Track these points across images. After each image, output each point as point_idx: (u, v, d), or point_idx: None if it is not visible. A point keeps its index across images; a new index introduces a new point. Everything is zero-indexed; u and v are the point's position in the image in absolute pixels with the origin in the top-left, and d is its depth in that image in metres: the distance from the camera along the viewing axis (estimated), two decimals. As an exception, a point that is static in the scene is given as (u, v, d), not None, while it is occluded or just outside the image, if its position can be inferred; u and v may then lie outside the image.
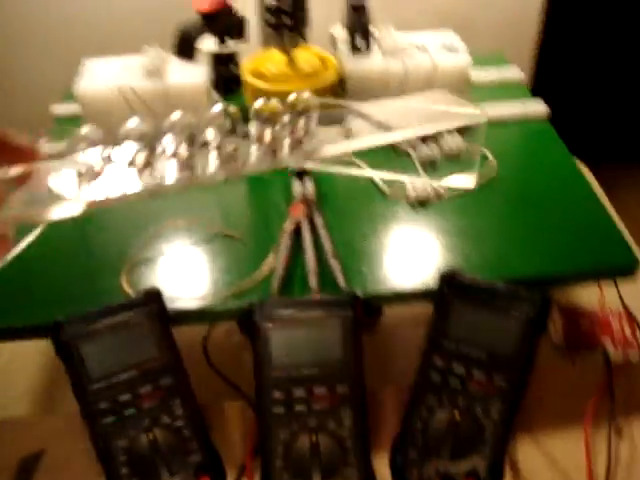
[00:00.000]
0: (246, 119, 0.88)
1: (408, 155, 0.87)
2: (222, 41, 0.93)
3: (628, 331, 0.93)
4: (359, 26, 0.87)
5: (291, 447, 0.59)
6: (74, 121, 0.95)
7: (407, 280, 0.69)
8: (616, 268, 0.71)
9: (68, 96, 1.00)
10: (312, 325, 0.60)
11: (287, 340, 0.60)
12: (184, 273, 0.71)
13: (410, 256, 0.72)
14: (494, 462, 0.60)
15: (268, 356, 0.59)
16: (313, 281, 0.68)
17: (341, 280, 0.68)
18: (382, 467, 0.63)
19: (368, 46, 0.88)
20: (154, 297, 0.61)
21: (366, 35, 0.87)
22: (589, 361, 0.84)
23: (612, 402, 0.70)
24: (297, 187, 0.79)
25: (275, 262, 0.70)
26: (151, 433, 0.59)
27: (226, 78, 0.94)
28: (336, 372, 0.60)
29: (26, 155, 0.48)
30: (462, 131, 0.89)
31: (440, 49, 0.91)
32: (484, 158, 0.86)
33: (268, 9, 0.85)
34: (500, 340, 0.60)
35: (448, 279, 0.62)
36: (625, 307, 0.95)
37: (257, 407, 0.60)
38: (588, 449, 0.66)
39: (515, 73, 1.04)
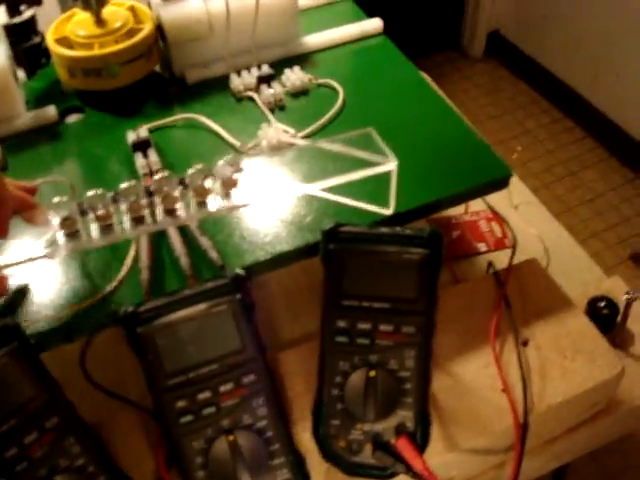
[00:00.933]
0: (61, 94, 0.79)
1: (251, 99, 0.80)
2: (15, 9, 0.81)
3: (499, 231, 0.94)
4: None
5: (209, 454, 0.54)
6: None
7: (285, 240, 0.64)
8: (493, 183, 0.69)
9: None
10: (199, 320, 0.53)
11: (177, 343, 0.53)
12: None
13: (280, 213, 0.67)
14: (420, 411, 0.58)
15: (158, 365, 0.53)
16: (185, 263, 0.61)
17: (215, 257, 0.62)
18: (305, 440, 0.59)
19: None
20: (11, 331, 0.53)
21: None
22: (469, 271, 0.84)
23: (510, 313, 0.69)
24: (140, 160, 0.71)
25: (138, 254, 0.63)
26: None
27: (30, 51, 0.82)
28: (239, 363, 0.54)
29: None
30: (300, 63, 0.83)
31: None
32: (331, 89, 0.81)
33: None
34: (400, 286, 0.57)
35: (332, 234, 0.57)
36: (491, 208, 0.95)
37: (161, 420, 0.54)
38: (500, 366, 0.66)
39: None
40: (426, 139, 0.74)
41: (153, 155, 0.71)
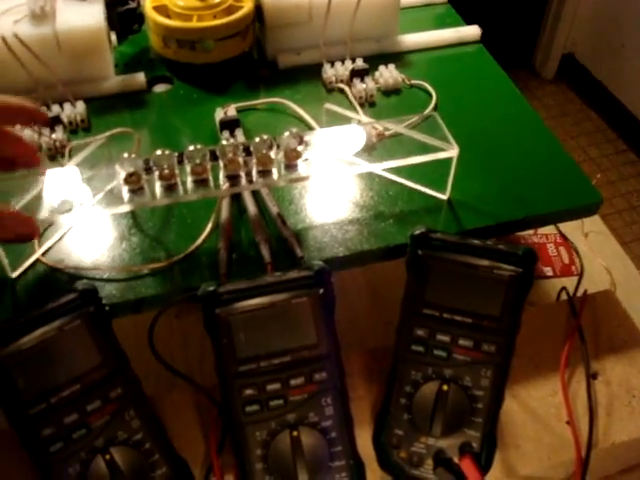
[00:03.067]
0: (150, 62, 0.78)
1: (341, 91, 0.79)
2: (114, -28, 0.80)
3: (566, 257, 0.92)
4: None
5: (270, 447, 0.52)
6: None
7: (367, 239, 0.62)
8: (583, 208, 0.67)
9: None
10: (279, 309, 0.52)
11: (253, 329, 0.52)
12: (105, 246, 0.62)
13: (365, 210, 0.65)
14: (488, 433, 0.56)
15: (231, 350, 0.51)
16: (265, 250, 0.60)
17: (296, 247, 0.60)
18: (364, 448, 0.57)
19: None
20: (89, 296, 0.52)
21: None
22: (533, 294, 0.81)
23: (583, 344, 0.67)
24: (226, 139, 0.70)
25: (215, 230, 0.62)
26: (107, 455, 0.51)
27: (124, 16, 0.82)
28: (312, 358, 0.53)
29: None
30: (395, 61, 0.81)
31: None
32: (423, 91, 0.79)
33: None
34: (485, 302, 0.55)
35: (422, 239, 0.56)
36: (560, 232, 0.93)
37: (225, 407, 0.53)
38: (567, 397, 0.63)
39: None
40: (518, 154, 0.71)
41: (240, 135, 0.70)
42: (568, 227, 0.91)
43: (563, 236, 0.93)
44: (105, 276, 0.59)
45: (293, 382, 0.52)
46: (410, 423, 0.56)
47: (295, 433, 0.52)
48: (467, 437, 0.55)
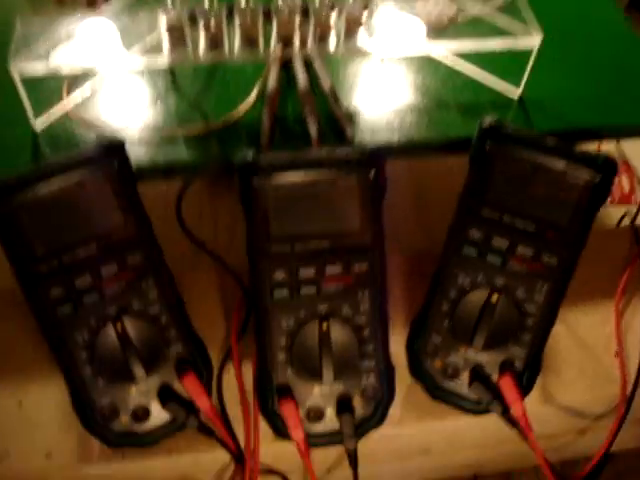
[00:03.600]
0: None
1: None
2: None
3: (627, 185, 0.85)
4: None
5: (296, 338, 0.48)
6: None
7: (427, 127, 0.56)
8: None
9: None
10: (324, 188, 0.46)
11: (291, 206, 0.46)
12: (137, 106, 0.56)
13: (427, 97, 0.59)
14: (534, 353, 0.51)
15: (265, 226, 0.46)
16: (312, 124, 0.54)
17: (348, 127, 0.54)
18: (395, 353, 0.53)
19: None
20: (115, 150, 0.46)
21: None
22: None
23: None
24: None
25: (259, 99, 0.56)
26: (119, 323, 0.47)
27: None
28: (353, 247, 0.47)
29: None
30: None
31: None
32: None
33: None
34: (553, 209, 0.49)
35: (491, 131, 0.49)
36: (625, 159, 0.86)
37: (253, 291, 0.48)
38: (619, 328, 0.58)
39: None
40: (604, 57, 0.64)
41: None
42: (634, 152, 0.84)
43: (627, 163, 0.86)
44: (136, 137, 0.54)
45: (329, 270, 0.47)
46: (450, 331, 0.51)
47: (325, 325, 0.47)
48: (510, 354, 0.51)
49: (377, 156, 0.47)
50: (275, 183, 0.45)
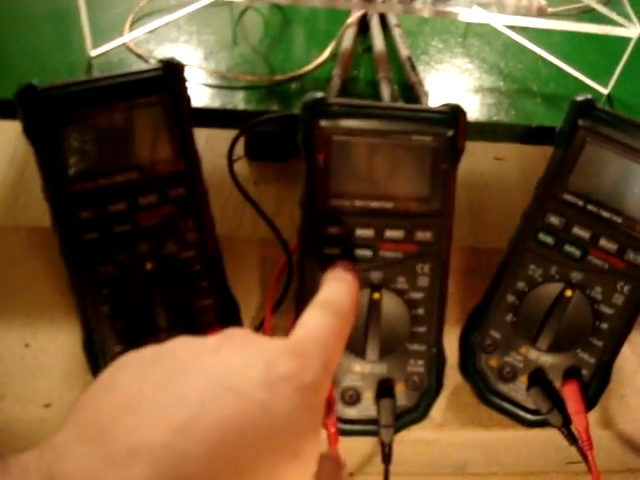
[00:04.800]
0: None
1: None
2: None
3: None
4: None
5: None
6: None
7: (507, 111, 0.52)
8: None
9: None
10: (394, 141, 0.41)
11: (356, 157, 0.42)
12: (202, 48, 0.52)
13: (510, 81, 0.54)
14: (604, 363, 0.45)
15: (326, 177, 0.41)
16: (385, 92, 0.49)
17: (424, 97, 0.50)
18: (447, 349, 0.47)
19: None
20: (173, 72, 0.42)
21: None
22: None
23: None
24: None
25: (331, 58, 0.52)
26: (149, 262, 0.42)
27: None
28: (419, 213, 0.42)
29: None
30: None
31: None
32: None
33: None
34: (646, 202, 0.43)
35: (584, 108, 0.44)
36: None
37: (301, 247, 0.43)
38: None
39: None
40: None
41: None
42: None
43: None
44: (196, 79, 0.50)
45: (389, 234, 0.42)
46: (513, 327, 0.46)
47: (376, 295, 0.42)
48: (578, 360, 0.45)
49: (458, 115, 0.42)
50: (343, 128, 0.41)
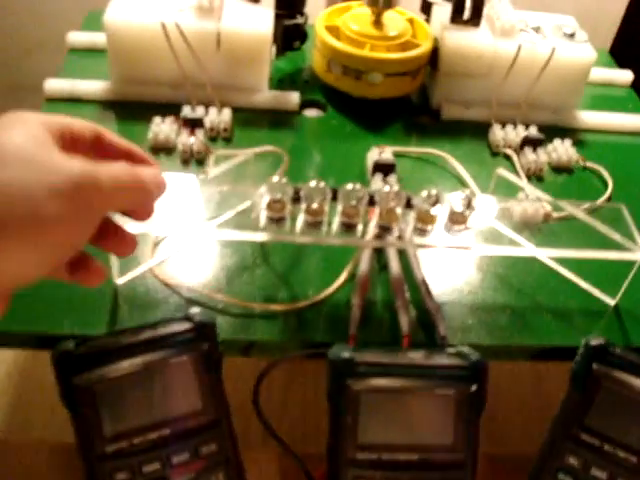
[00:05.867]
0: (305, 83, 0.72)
1: (507, 158, 0.70)
2: (291, -17, 0.75)
3: None
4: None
5: None
6: (93, 55, 0.77)
7: (521, 332, 0.54)
8: None
9: (90, 22, 0.82)
10: (419, 396, 0.43)
11: (383, 413, 0.43)
12: (222, 273, 0.55)
13: (521, 296, 0.57)
14: None
15: (354, 431, 0.43)
16: (404, 323, 0.51)
17: (442, 326, 0.52)
18: None
19: (479, 17, 0.71)
20: (206, 331, 0.44)
21: (479, 3, 0.69)
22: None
23: None
24: (378, 184, 0.62)
25: (349, 280, 0.54)
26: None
27: (289, 30, 0.76)
28: (442, 463, 0.44)
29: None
30: (570, 137, 0.73)
31: (559, 36, 0.74)
32: (597, 176, 0.70)
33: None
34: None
35: (599, 352, 0.46)
36: None
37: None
38: None
39: (624, 75, 0.87)
40: None
41: (394, 182, 0.62)
42: None
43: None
44: (219, 307, 0.52)
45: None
46: None
47: None
48: None
49: (481, 368, 0.44)
50: (373, 388, 0.43)
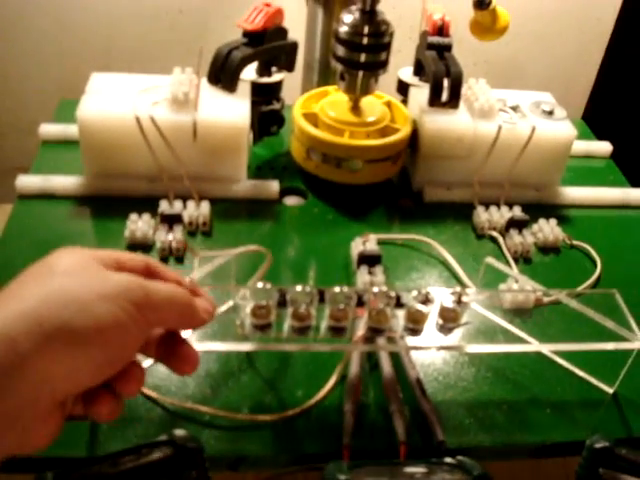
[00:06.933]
0: (283, 169, 0.71)
1: (493, 240, 0.69)
2: (267, 69, 0.74)
3: None
4: (449, 74, 0.68)
5: None
6: (66, 147, 0.75)
7: (519, 429, 0.51)
8: None
9: (62, 111, 0.80)
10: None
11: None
12: (207, 382, 0.52)
13: (517, 390, 0.55)
14: None
15: None
16: (400, 429, 0.49)
17: (438, 429, 0.50)
18: None
19: (458, 99, 0.70)
20: (193, 457, 0.42)
21: (457, 86, 0.69)
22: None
23: None
24: (364, 277, 0.60)
25: (339, 383, 0.52)
26: None
27: (266, 116, 0.75)
28: None
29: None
30: (555, 215, 0.72)
31: (538, 114, 0.74)
32: (584, 255, 0.69)
33: (340, 40, 0.66)
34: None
35: (603, 455, 0.44)
36: None
37: None
38: None
39: (603, 146, 0.87)
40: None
41: (380, 274, 0.61)
42: None
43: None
44: (205, 419, 0.50)
45: None
46: None
47: None
48: None
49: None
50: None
